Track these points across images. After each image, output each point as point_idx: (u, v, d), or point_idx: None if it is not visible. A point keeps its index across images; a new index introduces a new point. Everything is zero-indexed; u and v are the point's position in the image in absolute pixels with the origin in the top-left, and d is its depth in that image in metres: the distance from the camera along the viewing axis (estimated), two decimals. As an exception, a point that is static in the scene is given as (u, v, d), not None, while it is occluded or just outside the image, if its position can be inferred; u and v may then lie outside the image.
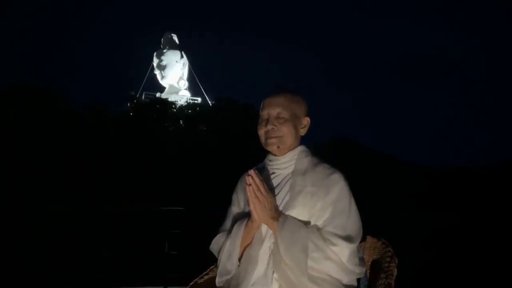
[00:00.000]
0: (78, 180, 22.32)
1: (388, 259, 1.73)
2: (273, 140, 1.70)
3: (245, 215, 1.69)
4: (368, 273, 1.80)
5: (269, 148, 1.74)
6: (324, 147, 36.04)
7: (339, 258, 1.52)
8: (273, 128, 1.69)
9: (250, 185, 1.56)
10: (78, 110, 32.62)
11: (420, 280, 5.04)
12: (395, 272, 1.66)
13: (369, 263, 1.88)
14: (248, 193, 1.56)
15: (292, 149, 1.74)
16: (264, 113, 1.73)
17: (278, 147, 1.71)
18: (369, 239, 1.95)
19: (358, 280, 1.69)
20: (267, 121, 1.71)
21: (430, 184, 30.19)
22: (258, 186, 1.56)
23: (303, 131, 1.77)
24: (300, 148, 1.76)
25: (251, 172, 1.57)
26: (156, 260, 5.45)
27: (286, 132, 1.69)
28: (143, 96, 49.31)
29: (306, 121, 1.77)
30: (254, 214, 1.58)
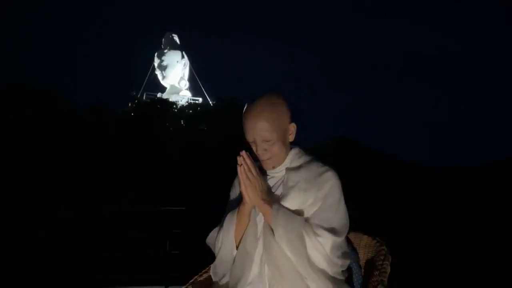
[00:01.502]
0: (79, 180, 22.34)
1: (382, 257, 1.77)
2: (267, 162, 1.70)
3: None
4: (362, 270, 1.83)
5: (265, 168, 1.74)
6: (324, 147, 36.08)
7: (323, 249, 1.53)
8: (264, 151, 1.67)
9: (241, 165, 1.57)
10: (79, 110, 32.64)
11: (416, 279, 5.06)
12: (388, 270, 1.70)
13: (364, 261, 1.92)
14: (239, 174, 1.58)
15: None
16: (250, 137, 1.68)
17: (274, 167, 1.72)
18: (364, 237, 1.99)
19: (351, 276, 1.73)
20: (255, 144, 1.68)
21: (430, 184, 30.17)
22: (249, 167, 1.58)
23: (291, 137, 1.74)
24: (293, 151, 1.77)
25: (243, 153, 1.59)
26: (157, 260, 5.48)
27: (277, 152, 1.68)
28: (144, 96, 49.36)
29: (293, 127, 1.73)
30: (245, 196, 1.60)
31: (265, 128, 1.62)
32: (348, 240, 1.93)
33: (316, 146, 37.02)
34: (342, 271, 1.63)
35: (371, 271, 1.74)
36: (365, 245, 1.96)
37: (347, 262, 1.64)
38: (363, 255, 1.94)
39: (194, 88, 58.31)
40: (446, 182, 30.75)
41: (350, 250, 1.84)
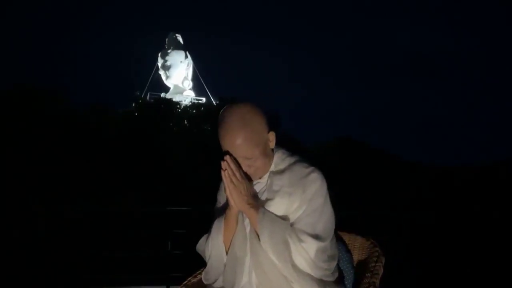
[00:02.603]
0: (83, 181, 22.39)
1: (375, 259, 1.76)
2: (253, 175, 1.66)
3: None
4: (353, 271, 1.83)
5: (252, 178, 1.68)
6: (326, 147, 36.06)
7: (307, 254, 1.51)
8: (247, 167, 1.63)
9: (225, 170, 1.56)
10: (81, 110, 32.68)
11: (416, 279, 5.06)
12: (381, 272, 1.69)
13: (357, 262, 1.92)
14: (223, 178, 1.57)
15: None
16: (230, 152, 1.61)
17: (260, 177, 1.69)
18: (358, 239, 1.99)
19: (343, 278, 1.73)
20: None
21: (431, 184, 30.11)
22: (233, 171, 1.56)
23: (271, 145, 1.68)
24: (277, 155, 1.72)
25: (227, 157, 1.56)
26: (159, 260, 5.50)
27: (260, 165, 1.64)
28: (148, 97, 49.45)
29: (272, 136, 1.66)
30: (231, 200, 1.58)
31: (244, 148, 1.56)
32: (342, 241, 1.93)
33: (319, 146, 37.06)
34: (332, 272, 1.61)
35: (364, 272, 1.74)
36: (359, 247, 1.95)
37: (333, 265, 1.61)
38: (357, 256, 1.94)
39: (197, 88, 58.45)
40: (446, 182, 30.68)
41: (344, 251, 1.84)
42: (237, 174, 1.57)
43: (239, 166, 1.60)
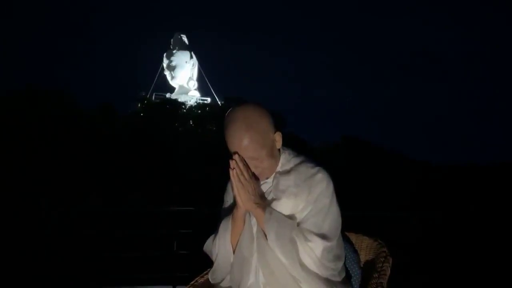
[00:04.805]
0: (88, 181, 22.45)
1: (382, 259, 1.76)
2: (260, 176, 1.66)
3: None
4: (359, 271, 1.82)
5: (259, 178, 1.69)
6: (334, 147, 36.02)
7: (314, 254, 1.52)
8: (254, 168, 1.63)
9: (233, 169, 1.56)
10: (87, 111, 32.77)
11: (421, 279, 5.05)
12: (388, 272, 1.69)
13: (364, 262, 1.91)
14: (231, 177, 1.57)
15: None
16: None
17: (267, 177, 1.68)
18: (366, 239, 1.98)
19: (350, 278, 1.73)
20: None
21: (438, 183, 29.96)
22: (241, 171, 1.56)
23: (278, 145, 1.67)
24: (283, 155, 1.71)
25: (236, 156, 1.56)
26: (165, 260, 5.51)
27: (267, 166, 1.64)
28: (153, 97, 49.52)
29: (278, 136, 1.65)
30: (238, 200, 1.59)
31: (250, 149, 1.57)
32: (349, 242, 1.93)
33: (325, 146, 37.02)
34: (339, 272, 1.61)
35: (371, 273, 1.73)
36: (366, 247, 1.95)
37: (339, 265, 1.61)
38: (364, 257, 1.94)
39: (202, 88, 58.43)
40: (454, 181, 30.53)
41: (351, 251, 1.84)
42: (245, 173, 1.57)
43: (247, 165, 1.60)
